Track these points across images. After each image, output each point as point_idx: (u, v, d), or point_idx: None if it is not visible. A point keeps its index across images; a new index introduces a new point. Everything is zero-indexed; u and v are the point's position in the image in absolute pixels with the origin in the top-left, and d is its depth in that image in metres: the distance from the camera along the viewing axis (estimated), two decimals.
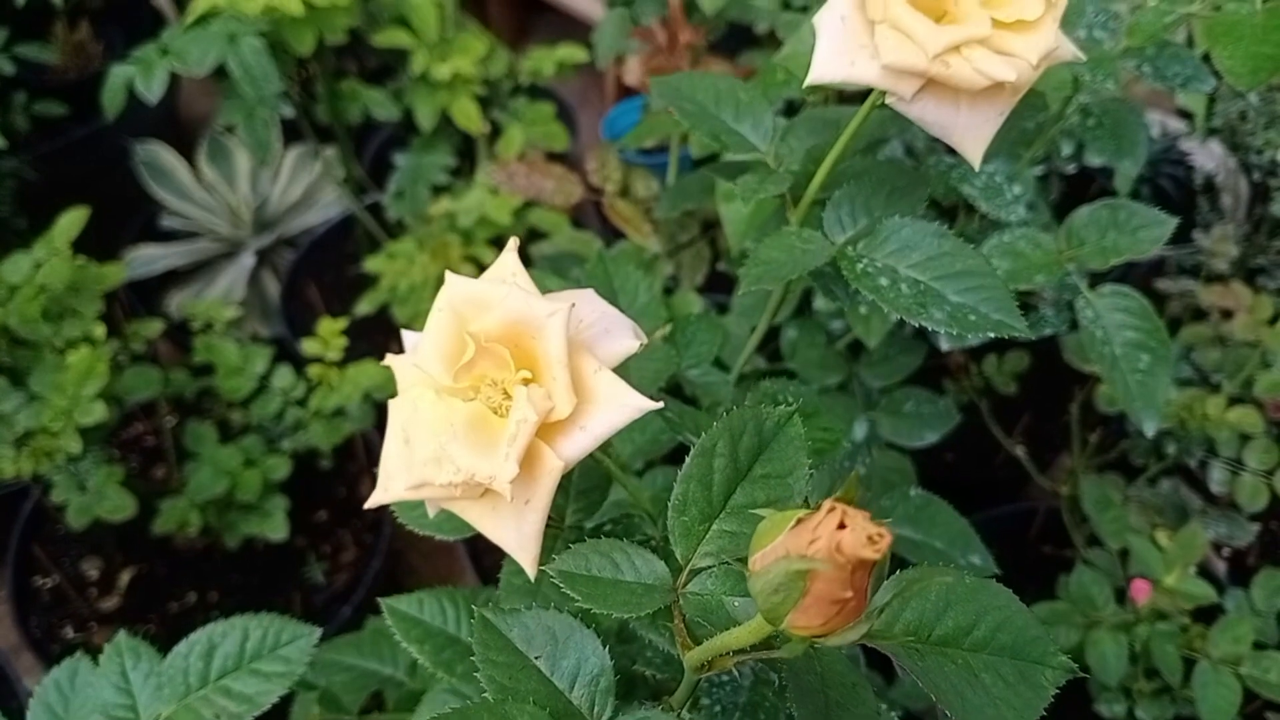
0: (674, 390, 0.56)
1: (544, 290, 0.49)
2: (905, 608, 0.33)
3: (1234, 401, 1.09)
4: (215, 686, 0.51)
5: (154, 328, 1.16)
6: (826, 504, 0.26)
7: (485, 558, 1.19)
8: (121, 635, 0.50)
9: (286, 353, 1.31)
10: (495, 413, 0.38)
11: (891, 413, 0.90)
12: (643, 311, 0.54)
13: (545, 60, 1.34)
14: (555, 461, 0.36)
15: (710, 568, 0.35)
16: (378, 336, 1.41)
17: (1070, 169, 1.31)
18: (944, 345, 0.89)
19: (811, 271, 0.48)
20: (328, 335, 1.09)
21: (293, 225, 1.58)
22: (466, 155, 1.41)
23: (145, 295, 1.52)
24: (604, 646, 0.35)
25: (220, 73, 1.13)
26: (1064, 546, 1.19)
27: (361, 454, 1.29)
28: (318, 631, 0.50)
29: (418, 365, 0.38)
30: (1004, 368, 1.18)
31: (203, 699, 0.50)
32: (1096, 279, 0.78)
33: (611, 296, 0.54)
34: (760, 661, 0.37)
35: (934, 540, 0.58)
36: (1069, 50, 0.46)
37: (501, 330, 0.37)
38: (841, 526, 0.25)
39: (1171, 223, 0.72)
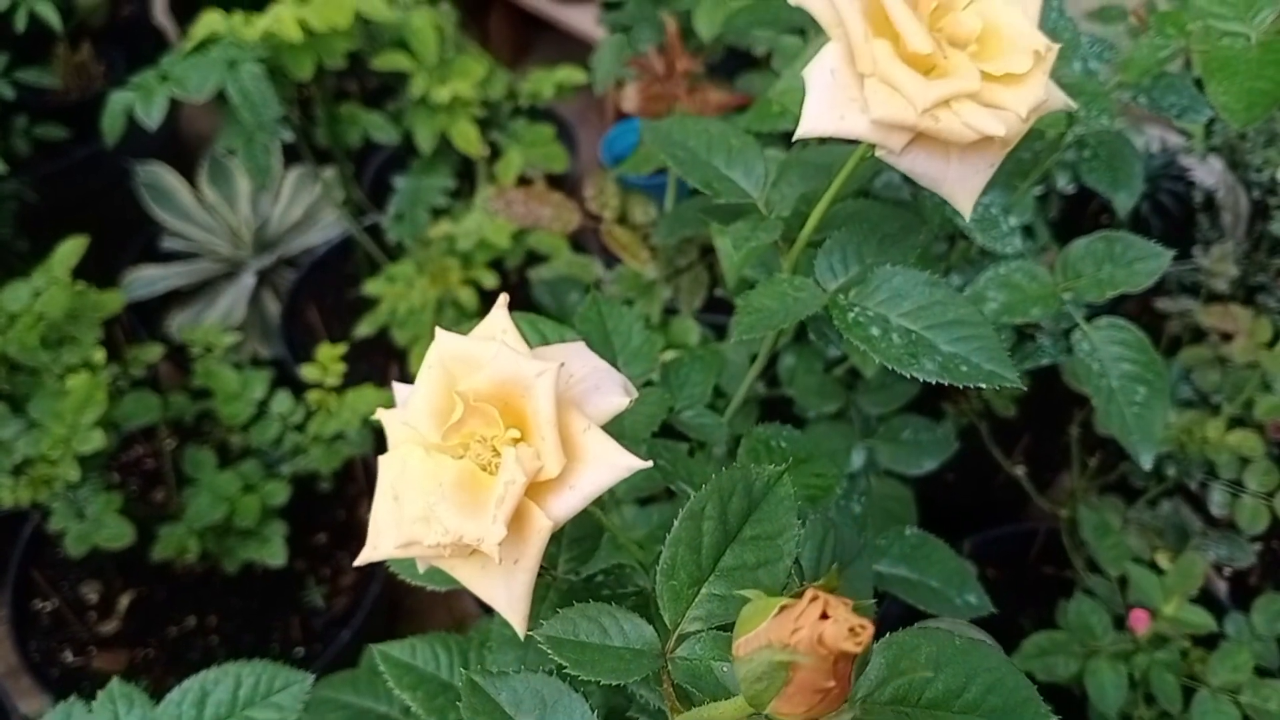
0: (667, 430, 0.56)
1: (536, 337, 0.50)
2: (895, 673, 0.33)
3: (1234, 423, 1.09)
4: None
5: (154, 352, 1.16)
6: (809, 593, 0.26)
7: None
8: (115, 683, 0.50)
9: (286, 375, 1.31)
10: (484, 470, 0.38)
11: (890, 440, 0.90)
12: (636, 354, 0.54)
13: (544, 82, 1.35)
14: (544, 521, 0.36)
15: (699, 632, 0.35)
16: (378, 358, 1.41)
17: (1070, 188, 1.31)
18: None
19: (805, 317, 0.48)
20: (326, 361, 1.09)
21: (293, 245, 1.58)
22: (466, 176, 1.42)
23: (146, 316, 1.52)
24: (593, 711, 0.35)
25: (222, 95, 1.14)
26: (1065, 567, 1.19)
27: (361, 476, 1.29)
28: (310, 678, 0.50)
29: (407, 423, 0.38)
30: (1003, 391, 1.17)
31: None
32: (1095, 311, 0.78)
33: (604, 338, 0.54)
34: None
35: (930, 579, 0.58)
36: (1060, 99, 0.46)
37: (490, 390, 0.37)
38: (824, 617, 0.25)
39: (1167, 255, 0.72)
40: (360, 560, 0.39)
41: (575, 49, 1.84)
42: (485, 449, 0.38)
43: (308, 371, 1.10)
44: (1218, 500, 1.10)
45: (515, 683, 0.36)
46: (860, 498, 0.62)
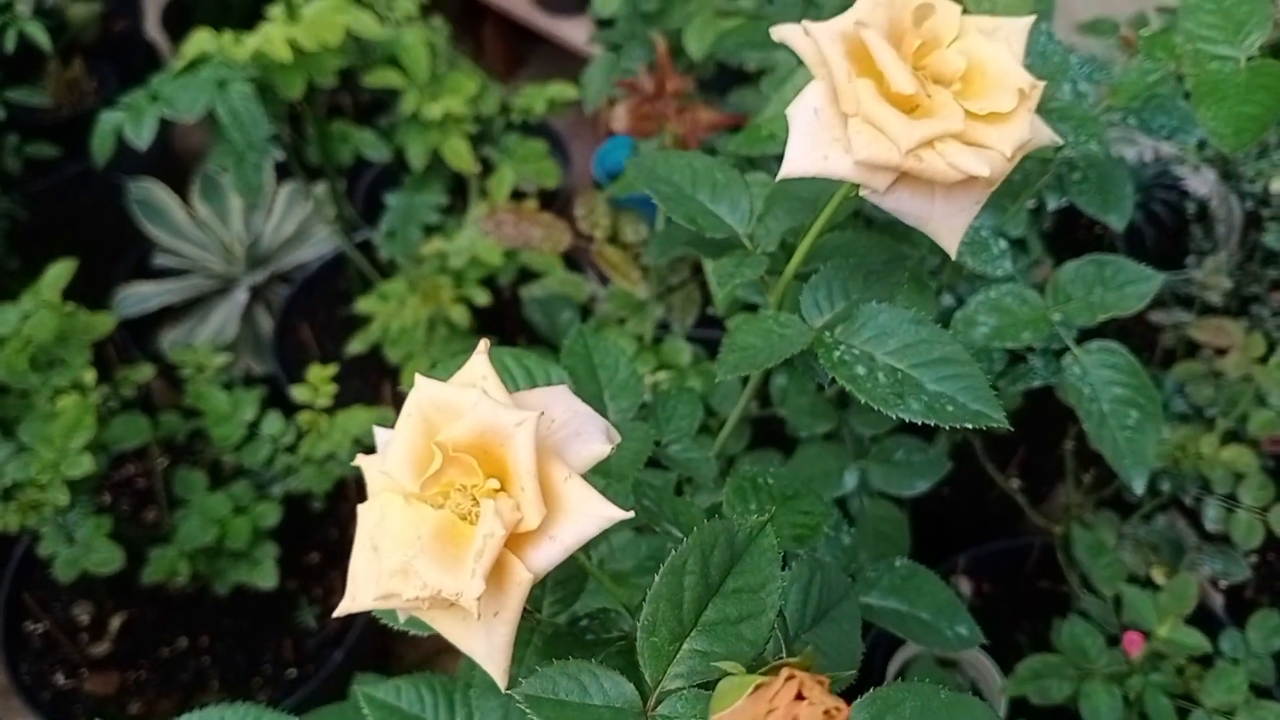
0: (653, 462, 0.55)
1: (522, 373, 0.49)
2: None
3: (1228, 437, 1.08)
4: None
5: (144, 373, 1.15)
6: (784, 672, 0.25)
7: None
8: None
9: (278, 392, 1.31)
10: (464, 519, 0.37)
11: (882, 461, 0.90)
12: (623, 387, 0.54)
13: (536, 98, 1.34)
14: (524, 574, 0.36)
15: (680, 690, 0.34)
16: (371, 375, 1.41)
17: (1063, 201, 1.31)
18: None
19: None
20: (317, 382, 1.09)
21: (286, 261, 1.58)
22: (459, 192, 1.42)
23: (139, 332, 1.52)
24: None
25: (213, 113, 1.13)
26: (1060, 582, 1.19)
27: (354, 495, 1.28)
28: None
29: (385, 472, 0.38)
30: (1004, 395, 1.17)
31: None
32: (1086, 331, 0.77)
33: (591, 371, 0.54)
34: None
35: (920, 611, 0.58)
36: (1046, 135, 0.45)
37: (469, 440, 0.37)
38: (800, 698, 0.25)
39: (1158, 279, 0.72)
40: (339, 612, 0.39)
41: (569, 62, 1.83)
42: (465, 498, 0.37)
43: (298, 392, 1.10)
44: (1212, 515, 1.10)
45: None
46: (850, 529, 0.62)
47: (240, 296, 1.54)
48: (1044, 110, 0.68)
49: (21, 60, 1.52)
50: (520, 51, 2.18)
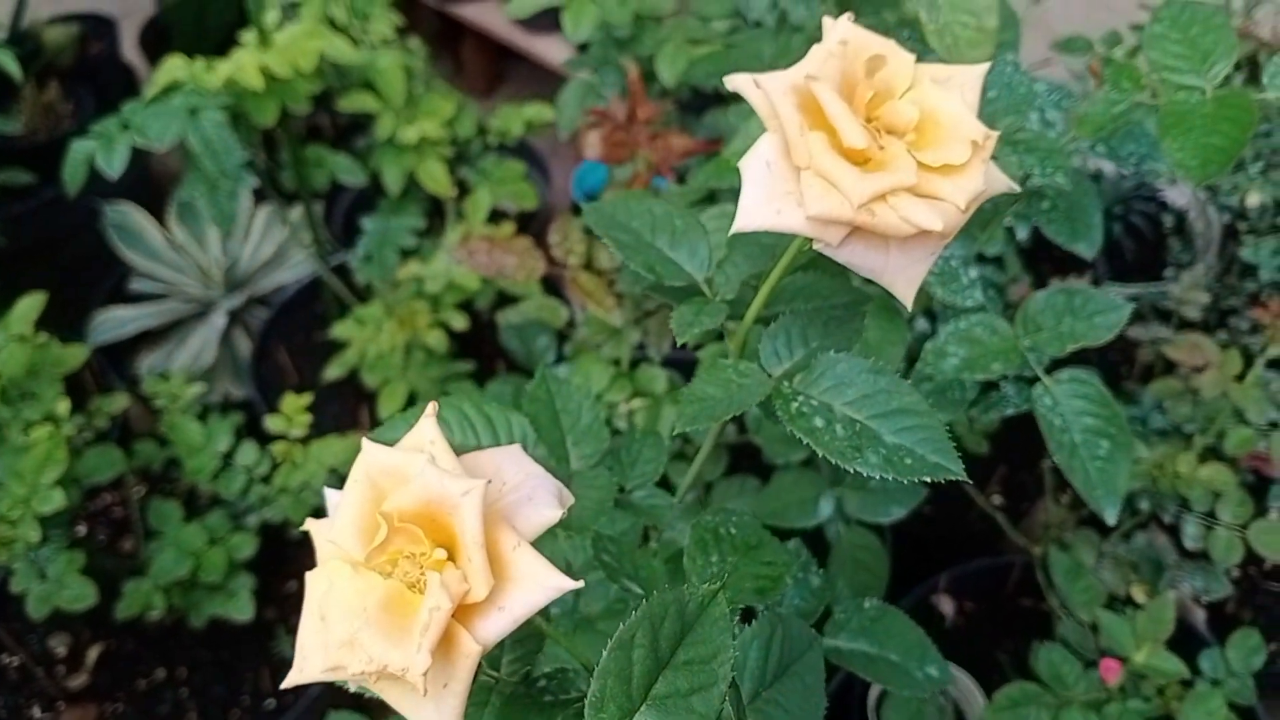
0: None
1: (483, 423, 0.49)
2: None
3: (1207, 454, 1.08)
4: None
5: (118, 403, 1.14)
6: None
7: None
8: None
9: (256, 418, 1.30)
10: (413, 588, 0.37)
11: (858, 488, 0.90)
12: (586, 433, 0.53)
13: (513, 120, 1.34)
14: (473, 646, 0.35)
15: None
16: (349, 399, 1.40)
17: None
18: None
19: None
20: (291, 412, 1.08)
21: (265, 284, 1.57)
22: (437, 214, 1.41)
23: (116, 357, 1.51)
24: None
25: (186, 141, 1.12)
26: (1042, 599, 1.18)
27: None
28: None
29: (332, 540, 0.37)
30: (975, 427, 1.17)
31: None
32: (1057, 359, 0.77)
33: (553, 417, 0.54)
34: None
35: (890, 653, 0.57)
36: (1002, 183, 0.45)
37: (415, 509, 0.36)
38: None
39: (1127, 308, 0.72)
40: (287, 683, 0.38)
41: (548, 80, 1.83)
42: (414, 566, 0.37)
43: (272, 423, 1.09)
44: (1191, 533, 1.10)
45: None
46: (819, 570, 0.61)
47: (218, 320, 1.53)
48: (1010, 142, 0.68)
49: None
50: (500, 69, 2.18)
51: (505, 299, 1.26)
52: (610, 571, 0.45)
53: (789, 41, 0.84)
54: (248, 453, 1.10)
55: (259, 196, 1.58)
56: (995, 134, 0.42)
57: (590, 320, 1.06)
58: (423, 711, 0.36)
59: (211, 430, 1.08)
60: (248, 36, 1.18)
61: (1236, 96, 0.65)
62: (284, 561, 1.26)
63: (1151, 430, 1.20)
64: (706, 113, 1.16)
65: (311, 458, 1.06)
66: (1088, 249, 0.75)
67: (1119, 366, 1.46)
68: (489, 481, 0.36)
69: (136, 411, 1.47)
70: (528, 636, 0.44)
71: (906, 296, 0.43)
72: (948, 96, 0.43)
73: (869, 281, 0.45)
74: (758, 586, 0.46)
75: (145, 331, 1.52)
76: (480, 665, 0.38)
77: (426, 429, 0.39)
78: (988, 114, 0.69)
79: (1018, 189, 0.45)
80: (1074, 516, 1.18)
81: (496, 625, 0.36)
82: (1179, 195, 1.69)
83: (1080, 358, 0.76)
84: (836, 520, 0.91)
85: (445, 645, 0.35)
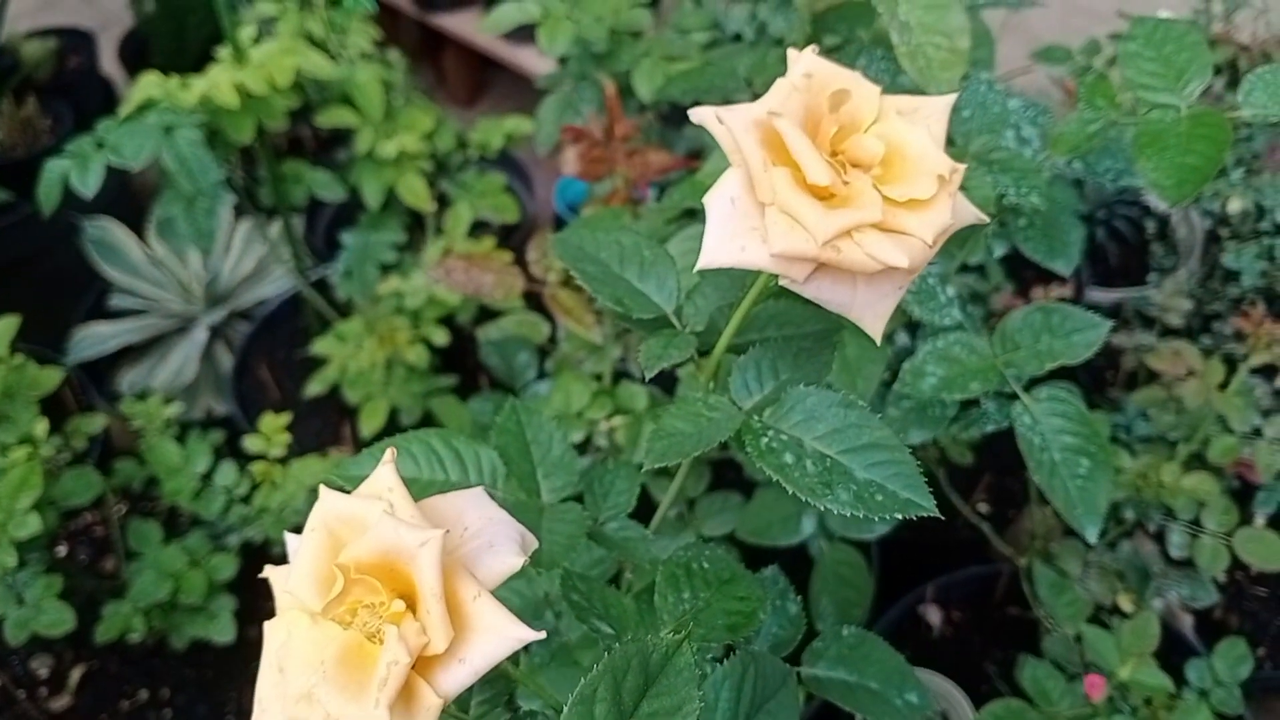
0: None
1: (450, 456, 0.48)
2: None
3: (1192, 460, 1.08)
4: None
5: (96, 423, 1.14)
6: None
7: None
8: None
9: (238, 434, 1.29)
10: (372, 639, 0.36)
11: None
12: (556, 465, 0.53)
13: (493, 133, 1.33)
14: (433, 699, 0.35)
15: None
16: (330, 415, 1.39)
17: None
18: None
19: None
20: (270, 432, 1.07)
21: (246, 298, 1.56)
22: (418, 227, 1.40)
23: (97, 373, 1.50)
24: None
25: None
26: (1029, 608, 1.18)
27: None
28: None
29: (289, 591, 0.37)
30: (959, 439, 1.17)
31: None
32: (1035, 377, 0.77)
33: (523, 449, 0.53)
34: None
35: (868, 681, 0.57)
36: (970, 214, 0.45)
37: (372, 560, 0.36)
38: None
39: (1105, 325, 0.71)
40: None
41: (531, 90, 1.82)
42: (373, 617, 0.36)
43: (251, 443, 1.08)
44: (1177, 542, 1.09)
45: None
46: (796, 597, 0.61)
47: (199, 335, 1.52)
48: (985, 162, 0.67)
49: None
50: (482, 79, 2.17)
51: (488, 313, 1.25)
52: (579, 611, 0.44)
53: (765, 56, 0.84)
54: (227, 473, 1.09)
55: (240, 210, 1.57)
56: (961, 167, 0.42)
57: (571, 336, 1.05)
58: None
59: (190, 451, 1.07)
60: (223, 53, 1.17)
61: (1211, 115, 0.65)
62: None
63: (1136, 437, 1.20)
64: (687, 126, 1.16)
65: (291, 478, 1.05)
66: (1065, 266, 0.74)
67: (1104, 372, 1.46)
68: (447, 531, 0.36)
69: (118, 428, 1.46)
70: (497, 678, 0.44)
71: (875, 331, 0.43)
72: (914, 129, 0.42)
73: None
74: (730, 624, 0.45)
75: (126, 347, 1.51)
76: (449, 707, 0.37)
77: (385, 475, 0.38)
78: (962, 133, 0.69)
79: (986, 219, 0.45)
80: (1060, 524, 1.18)
81: (457, 677, 0.35)
82: (1161, 200, 1.68)
83: (1064, 369, 0.76)
84: (819, 537, 0.90)
85: (405, 698, 0.35)
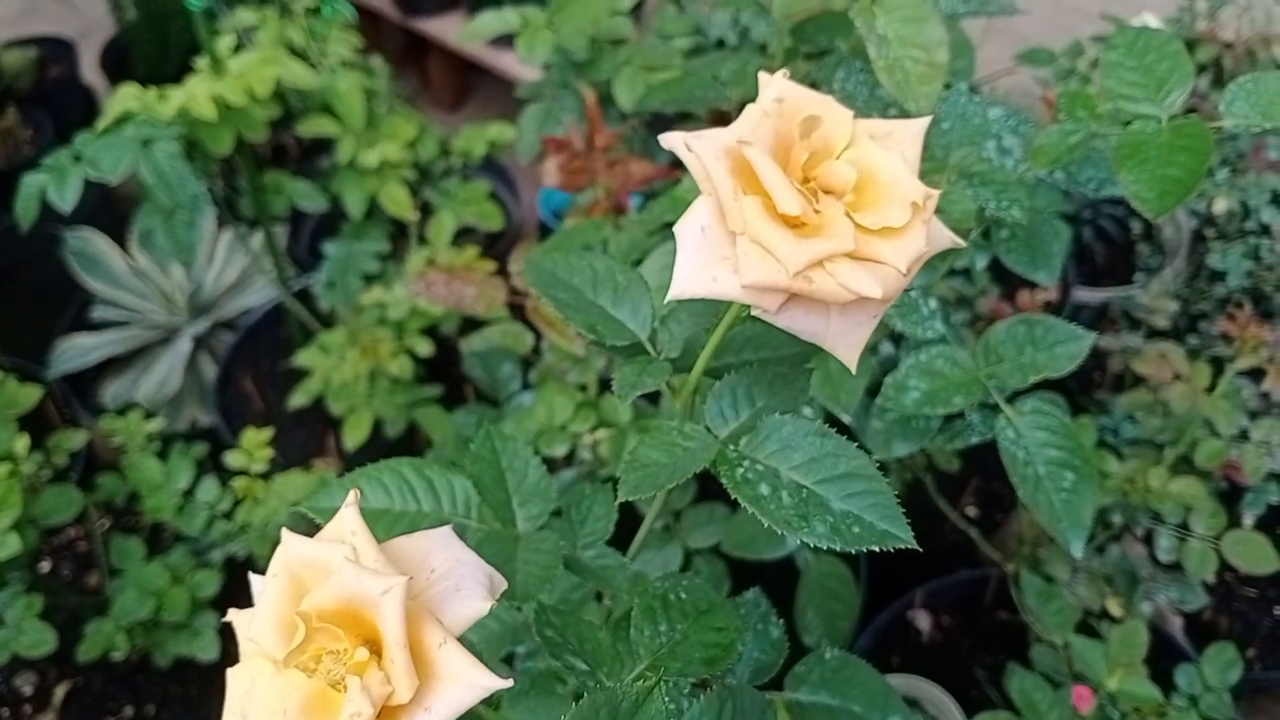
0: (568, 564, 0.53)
1: (423, 486, 0.47)
2: None
3: (1179, 463, 1.08)
4: None
5: (77, 439, 1.12)
6: None
7: None
8: None
9: (221, 447, 1.28)
10: (337, 686, 0.35)
11: None
12: (533, 492, 0.52)
13: (476, 140, 1.32)
14: None
15: None
16: (315, 426, 1.38)
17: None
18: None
19: None
20: (252, 447, 1.06)
21: (230, 308, 1.55)
22: (402, 235, 1.39)
23: (80, 385, 1.49)
24: None
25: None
26: (1019, 612, 1.18)
27: None
28: None
29: (251, 638, 0.36)
30: (946, 448, 1.16)
31: None
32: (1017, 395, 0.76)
33: (498, 476, 0.52)
34: None
35: (852, 704, 0.56)
36: (946, 239, 0.44)
37: (335, 607, 0.35)
38: None
39: (1089, 338, 0.71)
40: None
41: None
42: (338, 664, 0.35)
43: (233, 458, 1.07)
44: (1165, 546, 1.09)
45: None
46: (778, 620, 0.60)
47: (183, 346, 1.51)
48: (966, 175, 0.67)
49: None
50: (467, 83, 2.16)
51: (472, 323, 1.24)
52: (553, 647, 0.43)
53: (747, 64, 0.83)
54: (209, 489, 1.08)
55: (222, 220, 1.56)
56: (936, 193, 0.41)
57: (555, 347, 1.04)
58: None
59: (171, 467, 1.06)
60: (202, 64, 1.16)
61: (1193, 126, 0.64)
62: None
63: (1123, 440, 1.20)
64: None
65: (274, 493, 1.04)
66: (1047, 277, 0.74)
67: (1091, 374, 1.46)
68: (410, 578, 0.35)
69: (101, 441, 1.45)
70: (470, 716, 0.43)
71: (850, 360, 0.42)
72: (887, 155, 0.42)
73: None
74: (708, 656, 0.44)
75: (110, 359, 1.49)
76: None
77: (348, 518, 0.37)
78: (942, 145, 0.68)
79: (963, 244, 0.44)
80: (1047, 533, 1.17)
81: None
82: (1144, 213, 1.68)
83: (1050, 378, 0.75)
84: (806, 549, 0.90)
85: None
